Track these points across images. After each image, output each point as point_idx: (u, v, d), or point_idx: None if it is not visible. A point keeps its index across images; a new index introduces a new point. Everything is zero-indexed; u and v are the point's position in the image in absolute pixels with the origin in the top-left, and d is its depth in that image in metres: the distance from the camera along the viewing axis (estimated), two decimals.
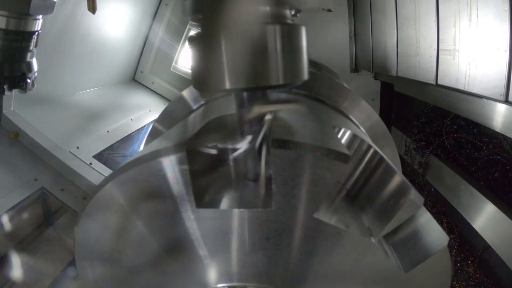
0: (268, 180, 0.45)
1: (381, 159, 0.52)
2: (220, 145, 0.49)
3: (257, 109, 0.51)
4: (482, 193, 1.97)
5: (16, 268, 2.11)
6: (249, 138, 0.48)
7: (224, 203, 0.47)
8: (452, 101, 2.01)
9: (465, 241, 2.25)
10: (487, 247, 2.03)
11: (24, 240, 2.24)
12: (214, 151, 0.49)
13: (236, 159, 0.49)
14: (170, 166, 0.50)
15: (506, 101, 1.55)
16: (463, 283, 2.13)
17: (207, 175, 0.51)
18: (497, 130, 1.73)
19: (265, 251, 0.47)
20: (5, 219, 1.97)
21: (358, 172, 0.50)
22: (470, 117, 1.95)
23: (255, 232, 0.47)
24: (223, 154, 0.49)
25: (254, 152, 0.45)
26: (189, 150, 0.46)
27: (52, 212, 2.40)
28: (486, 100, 1.72)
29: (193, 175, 0.46)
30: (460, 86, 1.82)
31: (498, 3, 1.51)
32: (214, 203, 0.47)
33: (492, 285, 2.06)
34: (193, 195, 0.47)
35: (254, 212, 0.47)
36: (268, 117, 0.49)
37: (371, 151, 0.54)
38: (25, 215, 2.18)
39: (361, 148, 0.58)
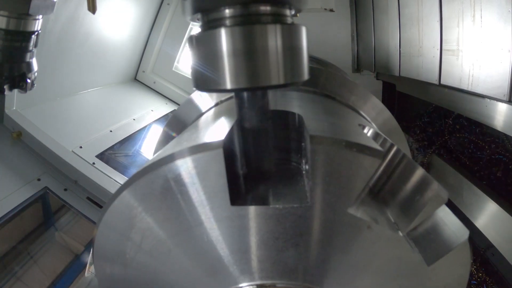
0: (305, 176, 0.46)
1: (403, 155, 0.53)
2: (251, 144, 0.50)
3: None
4: (485, 192, 1.98)
5: (18, 267, 2.11)
6: (281, 135, 0.48)
7: (260, 200, 0.47)
8: (455, 101, 2.02)
9: (468, 240, 2.26)
10: (489, 246, 2.04)
11: (27, 240, 2.24)
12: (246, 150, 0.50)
13: (270, 156, 0.50)
14: (187, 168, 0.50)
15: (509, 101, 1.56)
16: None
17: (240, 173, 0.51)
18: (500, 130, 1.74)
19: (296, 248, 0.48)
20: (8, 219, 1.97)
21: (382, 168, 0.51)
22: (473, 117, 1.96)
23: (288, 228, 0.48)
24: (257, 152, 0.49)
25: (289, 149, 0.46)
26: (225, 147, 0.46)
27: (54, 212, 2.40)
28: (489, 100, 1.73)
29: (227, 173, 0.46)
30: (464, 86, 1.83)
31: (502, 4, 1.52)
32: (250, 200, 0.47)
33: (495, 283, 2.07)
34: (228, 192, 0.47)
35: (289, 208, 0.47)
36: (297, 116, 0.50)
37: (394, 148, 0.55)
38: (28, 215, 2.18)
39: (385, 145, 0.59)
